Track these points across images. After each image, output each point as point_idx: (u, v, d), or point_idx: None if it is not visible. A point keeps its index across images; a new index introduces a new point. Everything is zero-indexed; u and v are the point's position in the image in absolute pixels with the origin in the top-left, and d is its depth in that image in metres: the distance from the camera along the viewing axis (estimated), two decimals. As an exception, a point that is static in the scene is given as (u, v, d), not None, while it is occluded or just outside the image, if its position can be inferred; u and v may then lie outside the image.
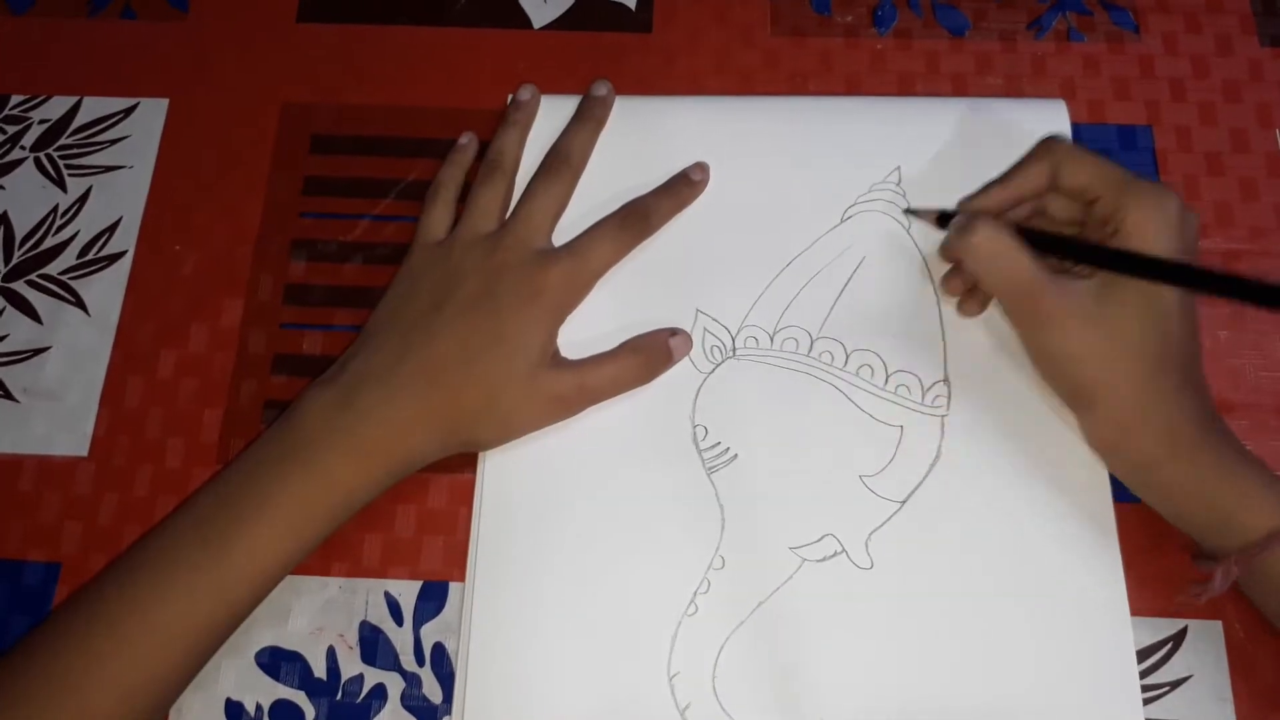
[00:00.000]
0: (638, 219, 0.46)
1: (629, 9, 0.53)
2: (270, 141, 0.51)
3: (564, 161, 0.47)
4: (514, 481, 0.43)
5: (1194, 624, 0.41)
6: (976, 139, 0.47)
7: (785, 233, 0.47)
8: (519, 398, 0.42)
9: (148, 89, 0.52)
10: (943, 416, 0.44)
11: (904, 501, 0.42)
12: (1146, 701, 0.40)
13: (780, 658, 0.40)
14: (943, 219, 0.43)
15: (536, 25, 0.53)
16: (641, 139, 0.48)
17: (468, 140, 0.49)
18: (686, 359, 0.45)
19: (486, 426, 0.43)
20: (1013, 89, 0.50)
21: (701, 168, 0.48)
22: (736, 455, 0.43)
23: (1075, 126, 0.49)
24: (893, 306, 0.45)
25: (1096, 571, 0.41)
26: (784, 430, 0.43)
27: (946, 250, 0.42)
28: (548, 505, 0.43)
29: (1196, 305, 0.40)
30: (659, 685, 0.40)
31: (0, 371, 0.47)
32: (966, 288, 0.44)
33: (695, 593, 0.41)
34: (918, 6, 0.53)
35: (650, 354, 0.44)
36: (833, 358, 0.44)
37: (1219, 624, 0.41)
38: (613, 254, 0.46)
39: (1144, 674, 0.41)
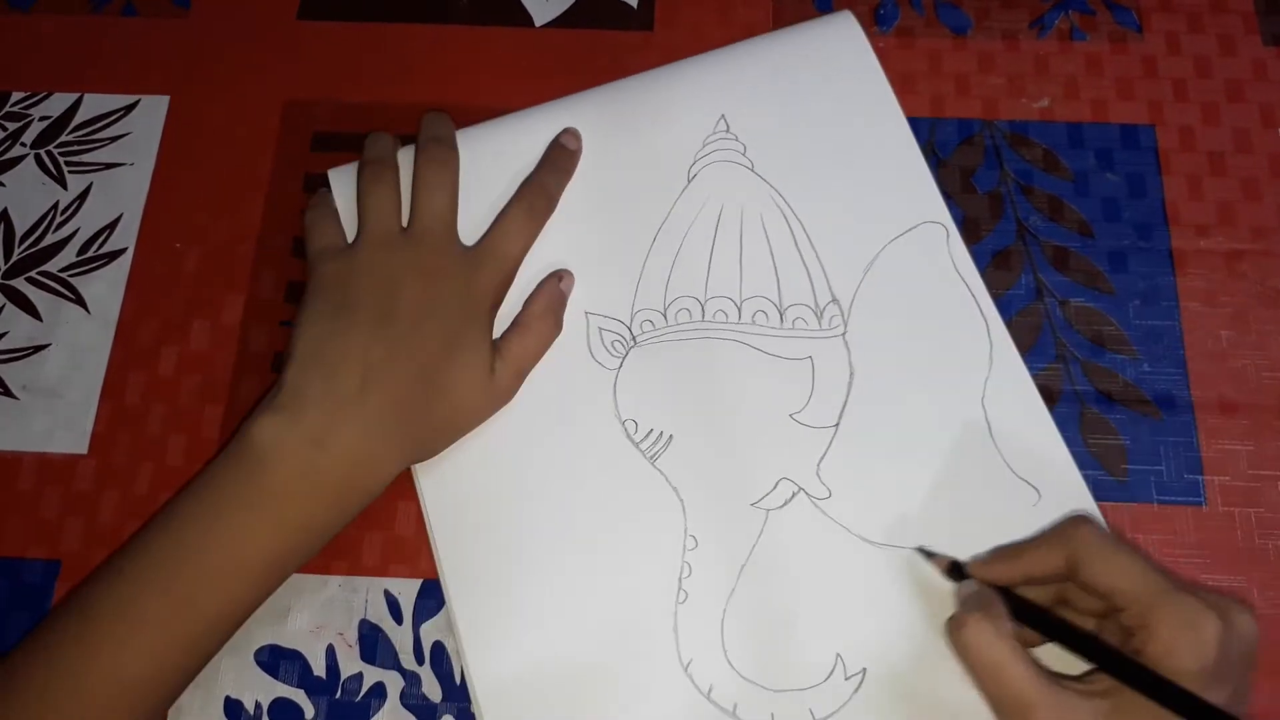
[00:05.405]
0: (542, 200, 0.46)
1: (631, 7, 0.53)
2: (272, 139, 0.51)
3: (448, 148, 0.46)
4: (467, 521, 0.43)
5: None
6: (782, 70, 0.49)
7: (642, 211, 0.47)
8: (478, 405, 0.43)
9: (149, 86, 0.52)
10: (843, 335, 0.44)
11: (837, 424, 0.43)
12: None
13: (779, 609, 0.41)
14: (953, 570, 0.40)
15: (538, 23, 0.53)
16: (478, 166, 0.47)
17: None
18: (593, 360, 0.45)
19: (445, 438, 0.43)
20: (1015, 89, 0.50)
21: (572, 134, 0.48)
22: (672, 437, 0.43)
23: (1078, 126, 0.50)
24: (761, 245, 0.46)
25: (1030, 422, 0.43)
26: (706, 399, 0.44)
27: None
28: (510, 537, 0.42)
29: None
30: (676, 678, 0.40)
31: (0, 369, 0.47)
32: None
33: (680, 579, 0.41)
34: (920, 5, 0.52)
35: (552, 307, 0.45)
36: (726, 315, 0.45)
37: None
38: (527, 242, 0.46)
39: (1145, 674, 0.41)
